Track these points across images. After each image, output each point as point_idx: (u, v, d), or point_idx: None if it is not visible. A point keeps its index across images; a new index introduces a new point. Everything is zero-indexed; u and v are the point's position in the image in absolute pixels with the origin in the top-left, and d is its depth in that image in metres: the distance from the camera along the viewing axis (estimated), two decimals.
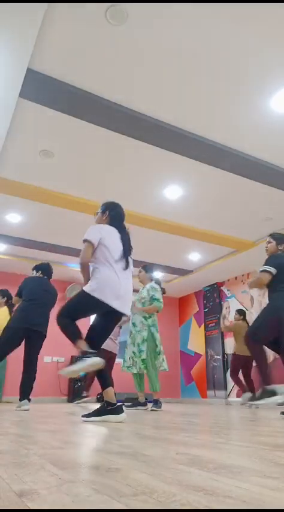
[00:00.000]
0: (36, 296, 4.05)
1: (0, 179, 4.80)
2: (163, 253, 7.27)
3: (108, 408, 2.42)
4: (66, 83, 3.32)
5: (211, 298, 8.88)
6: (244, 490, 0.69)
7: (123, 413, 2.42)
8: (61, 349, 7.32)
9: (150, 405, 4.36)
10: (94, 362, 2.32)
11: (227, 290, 8.60)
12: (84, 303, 2.50)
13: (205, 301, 9.08)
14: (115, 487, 0.71)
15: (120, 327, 5.72)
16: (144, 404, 4.47)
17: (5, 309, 5.22)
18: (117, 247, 2.61)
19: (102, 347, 2.65)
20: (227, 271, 8.11)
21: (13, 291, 4.37)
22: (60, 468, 0.88)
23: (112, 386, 2.51)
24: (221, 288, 8.75)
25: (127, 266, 2.63)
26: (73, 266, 7.42)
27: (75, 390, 7.35)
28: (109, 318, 2.58)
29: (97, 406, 2.66)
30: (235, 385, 6.61)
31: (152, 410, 4.21)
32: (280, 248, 3.41)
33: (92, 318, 2.69)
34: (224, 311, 8.41)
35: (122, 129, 3.85)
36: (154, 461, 0.99)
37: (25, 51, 2.89)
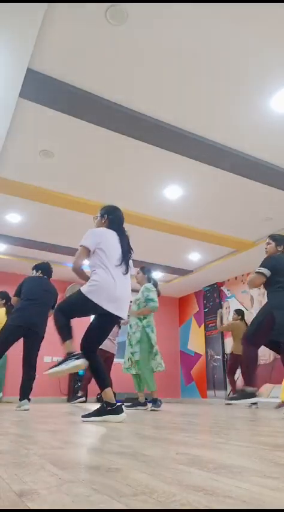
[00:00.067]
0: (35, 296, 4.05)
1: (0, 179, 4.80)
2: (163, 253, 7.27)
3: (107, 409, 2.42)
4: (66, 83, 3.32)
5: (211, 298, 8.88)
6: (244, 490, 0.69)
7: (123, 413, 2.42)
8: (61, 349, 7.30)
9: (149, 405, 4.36)
10: (78, 365, 2.40)
11: (227, 290, 8.60)
12: (80, 304, 2.52)
13: (205, 301, 9.08)
14: (115, 487, 0.71)
15: (120, 327, 5.72)
16: (144, 404, 4.48)
17: (3, 310, 5.23)
18: (115, 250, 2.62)
19: (100, 347, 2.67)
20: (227, 271, 8.11)
21: (13, 291, 4.36)
22: (60, 468, 0.88)
23: (111, 387, 2.51)
24: (221, 288, 8.75)
25: (126, 270, 2.63)
26: None
27: (75, 390, 7.35)
28: (105, 320, 2.59)
29: (96, 406, 2.66)
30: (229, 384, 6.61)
31: (152, 410, 4.22)
32: (279, 249, 3.43)
33: (92, 317, 2.70)
34: (222, 311, 8.36)
35: (122, 129, 3.85)
36: (154, 461, 0.99)
37: (25, 51, 2.89)
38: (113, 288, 2.50)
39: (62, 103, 3.51)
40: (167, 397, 8.34)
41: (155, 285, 4.68)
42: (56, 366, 2.46)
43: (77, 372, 7.25)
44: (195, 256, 7.45)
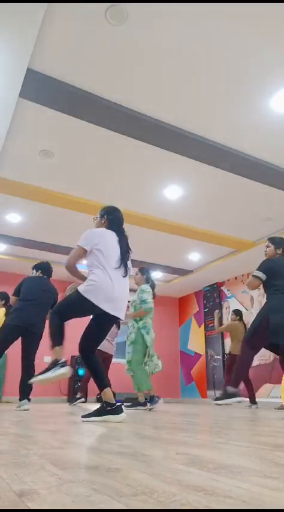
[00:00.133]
0: (33, 296, 4.04)
1: (0, 179, 4.80)
2: (163, 253, 7.27)
3: (107, 409, 2.42)
4: (66, 83, 3.32)
5: (211, 298, 8.88)
6: (244, 490, 0.69)
7: (122, 413, 2.42)
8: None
9: (149, 405, 4.36)
10: (63, 373, 2.41)
11: (227, 290, 8.60)
12: (78, 304, 2.53)
13: (205, 301, 9.08)
14: (115, 487, 0.71)
15: (119, 328, 5.73)
16: (144, 404, 4.47)
17: (3, 310, 5.23)
18: (114, 251, 2.62)
19: (98, 348, 2.67)
20: (227, 271, 8.11)
21: (13, 292, 4.35)
22: (60, 468, 0.88)
23: (110, 387, 2.51)
24: (221, 288, 8.75)
25: (126, 272, 2.64)
26: None
27: (75, 390, 7.35)
28: (103, 320, 2.59)
29: (96, 406, 2.67)
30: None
31: (149, 409, 4.23)
32: (278, 252, 3.43)
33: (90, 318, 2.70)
34: (219, 311, 8.32)
35: (122, 129, 3.85)
36: (154, 461, 0.99)
37: (25, 51, 2.89)
38: (111, 288, 2.50)
39: (62, 103, 3.51)
40: (167, 397, 8.34)
41: (152, 286, 4.67)
42: (41, 373, 2.47)
43: (77, 372, 7.27)
44: (195, 256, 7.45)
